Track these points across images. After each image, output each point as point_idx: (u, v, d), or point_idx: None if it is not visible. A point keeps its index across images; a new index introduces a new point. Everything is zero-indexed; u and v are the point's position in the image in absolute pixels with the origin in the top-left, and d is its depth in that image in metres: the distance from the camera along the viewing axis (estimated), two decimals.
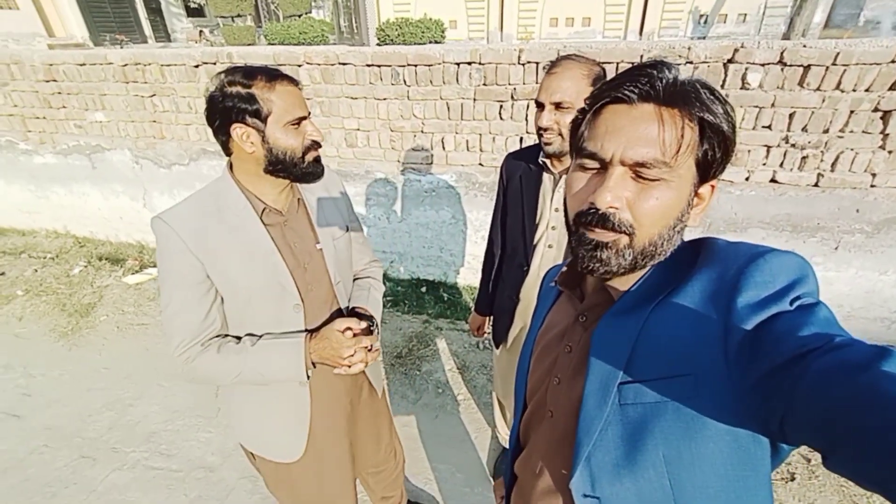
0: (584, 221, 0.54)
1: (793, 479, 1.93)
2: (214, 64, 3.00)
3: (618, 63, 2.38)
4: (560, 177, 1.30)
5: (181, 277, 0.95)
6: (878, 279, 2.51)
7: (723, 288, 0.49)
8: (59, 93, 3.48)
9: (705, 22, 8.52)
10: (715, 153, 0.52)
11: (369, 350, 1.06)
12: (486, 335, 1.81)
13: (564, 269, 0.69)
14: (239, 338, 1.05)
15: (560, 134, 1.21)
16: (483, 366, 2.55)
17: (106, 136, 3.57)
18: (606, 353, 0.56)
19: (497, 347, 1.68)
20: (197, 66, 3.05)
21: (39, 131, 3.73)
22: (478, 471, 2.00)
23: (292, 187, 1.08)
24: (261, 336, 1.04)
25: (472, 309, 1.81)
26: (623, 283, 0.59)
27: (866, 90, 2.15)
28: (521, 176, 1.40)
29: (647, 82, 0.51)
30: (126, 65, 3.20)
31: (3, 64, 3.47)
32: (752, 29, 8.35)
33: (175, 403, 2.36)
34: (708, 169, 0.53)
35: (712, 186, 0.56)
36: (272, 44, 7.43)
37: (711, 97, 0.51)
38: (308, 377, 1.04)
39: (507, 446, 1.95)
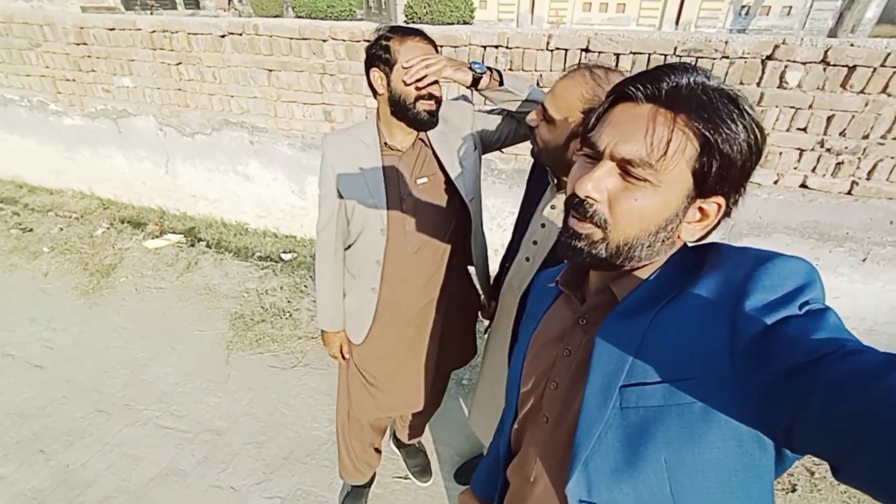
0: (567, 205, 0.56)
1: (794, 490, 1.90)
2: (241, 35, 2.99)
3: (650, 54, 2.29)
4: (556, 188, 1.21)
5: (323, 177, 1.28)
6: None
7: (730, 292, 0.48)
8: (89, 56, 3.52)
9: (747, 14, 8.14)
10: (710, 169, 0.49)
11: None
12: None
13: (566, 268, 0.68)
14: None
15: (537, 141, 1.12)
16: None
17: (132, 101, 3.62)
18: (609, 356, 0.55)
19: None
20: (223, 37, 3.04)
21: (69, 93, 3.79)
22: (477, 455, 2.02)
23: (416, 131, 1.26)
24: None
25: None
26: (626, 286, 0.58)
27: None
28: (538, 176, 1.32)
29: (655, 82, 0.50)
30: (154, 31, 3.21)
31: (37, 25, 3.52)
32: (796, 23, 7.96)
33: (187, 367, 2.43)
34: (705, 183, 0.50)
35: (718, 205, 0.52)
36: (300, 16, 7.38)
37: (731, 112, 0.48)
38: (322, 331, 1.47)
39: (485, 452, 1.94)
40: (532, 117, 1.12)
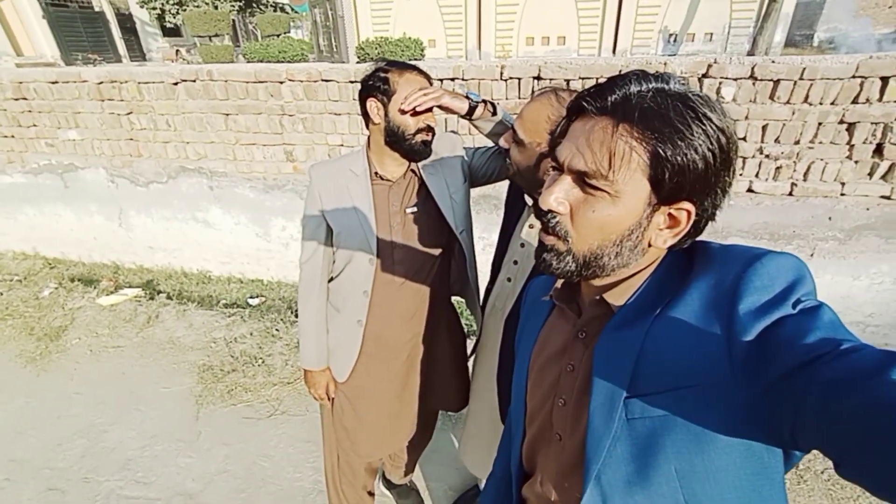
0: (538, 219, 0.57)
1: None
2: (194, 81, 2.97)
3: (597, 79, 2.44)
4: (532, 208, 1.22)
5: (309, 208, 1.28)
6: (851, 284, 2.60)
7: (722, 295, 0.48)
8: (30, 111, 3.38)
9: (675, 40, 8.88)
10: (664, 177, 0.48)
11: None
12: None
13: (559, 282, 0.67)
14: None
15: (510, 164, 1.15)
16: None
17: (79, 154, 3.48)
18: (610, 368, 0.54)
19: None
20: (176, 84, 3.01)
21: (7, 150, 3.61)
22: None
23: (407, 161, 1.27)
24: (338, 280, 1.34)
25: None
26: (621, 295, 0.57)
27: (832, 103, 2.26)
28: (514, 197, 1.34)
29: (603, 94, 0.50)
30: (101, 82, 3.14)
31: None
32: (718, 47, 8.74)
33: (153, 428, 2.25)
34: (663, 189, 0.49)
35: (688, 212, 0.51)
36: (251, 61, 7.41)
37: (685, 117, 0.47)
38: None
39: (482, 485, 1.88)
40: (504, 139, 1.15)
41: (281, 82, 2.87)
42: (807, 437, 0.41)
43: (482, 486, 1.85)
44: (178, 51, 12.73)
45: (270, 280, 3.56)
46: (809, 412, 0.40)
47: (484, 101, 1.27)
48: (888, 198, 2.34)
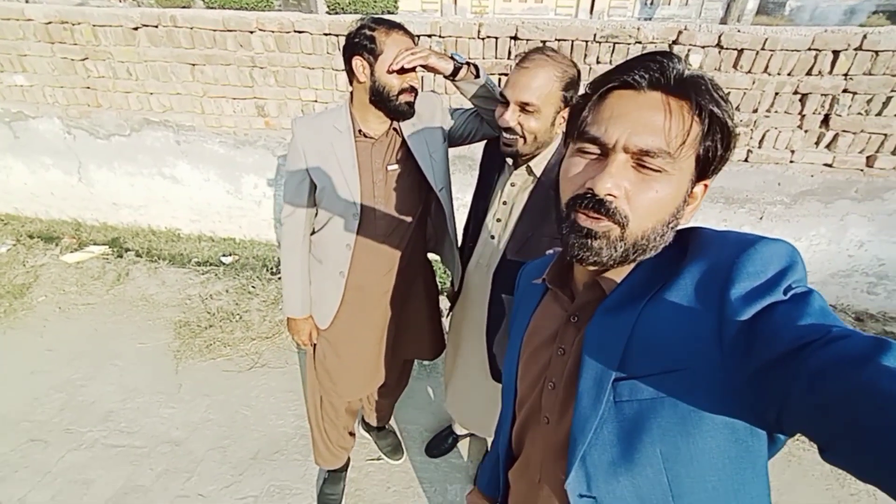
0: (578, 205, 0.53)
1: None
2: (156, 27, 2.80)
3: (573, 41, 2.47)
4: (513, 167, 1.26)
5: (291, 163, 1.31)
6: (794, 245, 2.83)
7: (715, 280, 0.49)
8: None
9: (651, 3, 8.84)
10: (717, 149, 0.51)
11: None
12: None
13: (553, 264, 0.67)
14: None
15: (523, 136, 1.15)
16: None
17: (29, 101, 3.25)
18: (600, 350, 0.55)
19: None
20: (136, 29, 2.83)
21: None
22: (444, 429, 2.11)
23: (390, 120, 1.30)
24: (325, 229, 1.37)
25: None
26: (614, 278, 0.57)
27: (788, 74, 2.38)
28: (490, 156, 1.38)
29: (657, 69, 0.49)
30: (50, 23, 2.91)
31: None
32: (693, 12, 8.78)
33: (132, 382, 2.29)
34: (708, 166, 0.52)
35: (705, 186, 0.54)
36: (211, 7, 6.92)
37: (717, 92, 0.50)
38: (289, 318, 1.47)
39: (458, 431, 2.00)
40: (507, 117, 1.13)
41: (251, 32, 2.74)
42: (793, 421, 0.42)
43: (455, 428, 2.01)
44: None
45: (243, 238, 3.54)
46: (797, 398, 0.40)
47: (468, 63, 1.29)
48: (830, 165, 2.53)
